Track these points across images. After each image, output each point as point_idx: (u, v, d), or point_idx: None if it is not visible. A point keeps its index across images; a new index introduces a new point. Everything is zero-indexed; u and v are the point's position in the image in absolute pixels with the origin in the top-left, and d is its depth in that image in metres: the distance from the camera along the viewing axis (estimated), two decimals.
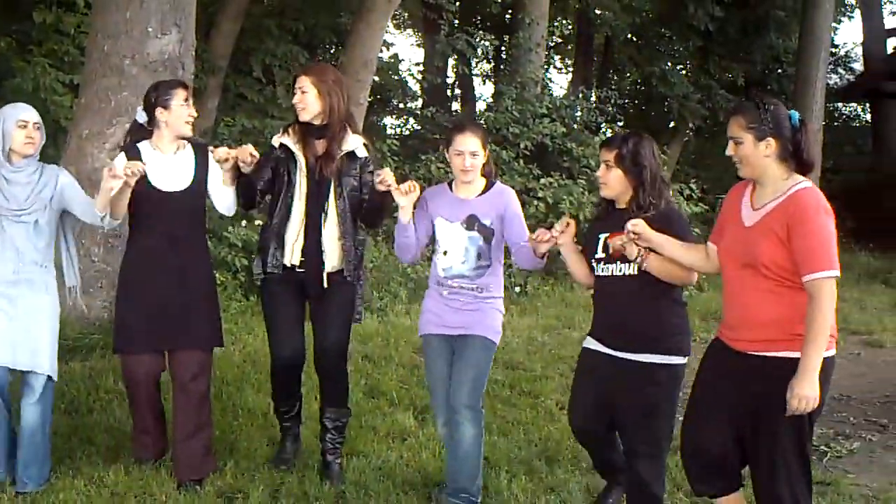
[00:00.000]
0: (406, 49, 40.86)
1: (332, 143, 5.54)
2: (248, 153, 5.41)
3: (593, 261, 5.02)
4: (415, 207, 5.39)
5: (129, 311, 5.57)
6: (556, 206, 14.60)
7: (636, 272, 4.78)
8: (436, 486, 5.63)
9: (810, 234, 4.10)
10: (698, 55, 22.45)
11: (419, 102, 24.60)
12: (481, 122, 16.58)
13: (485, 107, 20.16)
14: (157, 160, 5.54)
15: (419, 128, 19.50)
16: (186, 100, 5.56)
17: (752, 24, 21.89)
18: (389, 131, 21.22)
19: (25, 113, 5.41)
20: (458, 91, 26.21)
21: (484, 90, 31.34)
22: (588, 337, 5.14)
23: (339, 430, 5.79)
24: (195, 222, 5.65)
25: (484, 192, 5.42)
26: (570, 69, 28.82)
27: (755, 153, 4.25)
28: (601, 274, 4.98)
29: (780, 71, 23.36)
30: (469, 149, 5.27)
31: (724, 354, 4.43)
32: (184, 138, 5.62)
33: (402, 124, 24.70)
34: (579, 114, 17.87)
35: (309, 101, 5.51)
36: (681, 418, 4.70)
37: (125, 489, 5.41)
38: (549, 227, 5.13)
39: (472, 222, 5.35)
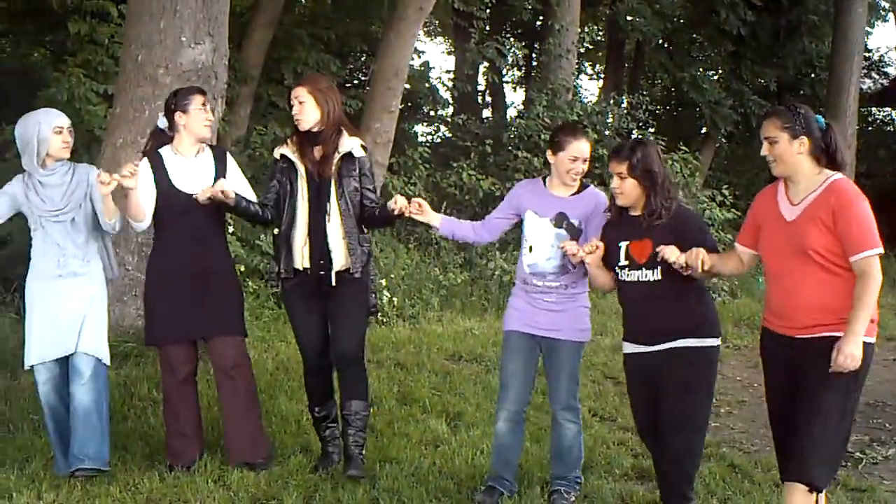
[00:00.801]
0: (437, 57, 40.87)
1: (327, 146, 5.75)
2: (219, 193, 5.60)
3: (616, 268, 5.18)
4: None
5: (158, 305, 5.92)
6: None
7: (659, 277, 5.00)
8: (473, 489, 5.68)
9: (853, 217, 4.48)
10: (730, 60, 22.32)
11: (450, 110, 24.58)
12: (513, 128, 16.59)
13: (516, 114, 20.14)
14: (179, 163, 5.89)
15: (450, 135, 19.49)
16: (204, 104, 5.90)
17: (784, 28, 21.73)
18: (420, 139, 21.21)
19: (59, 119, 5.77)
20: (488, 98, 26.21)
21: (515, 97, 31.33)
22: (624, 342, 5.30)
23: (360, 424, 5.84)
24: (216, 221, 5.96)
25: (578, 192, 5.54)
26: (601, 76, 28.71)
27: (790, 150, 4.61)
28: (627, 280, 5.15)
29: (812, 76, 23.23)
30: (584, 155, 5.43)
31: (775, 342, 4.77)
32: (202, 141, 5.95)
33: (433, 132, 24.72)
34: (610, 120, 17.82)
35: (307, 111, 5.72)
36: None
37: (160, 496, 5.45)
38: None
39: (560, 220, 5.48)
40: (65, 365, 5.70)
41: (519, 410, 5.64)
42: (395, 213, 5.58)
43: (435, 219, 5.67)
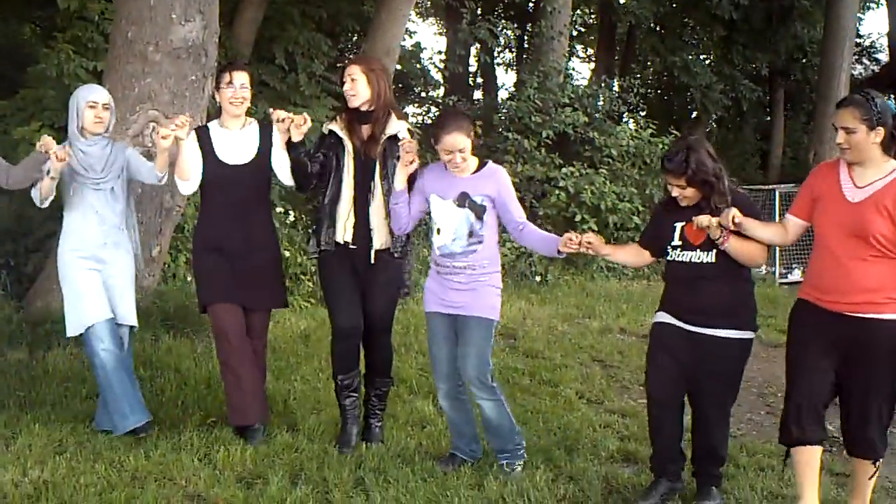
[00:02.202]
0: (428, 37, 40.87)
1: (376, 127, 5.88)
2: (302, 119, 5.84)
3: (669, 247, 5.29)
4: (412, 183, 5.76)
5: (207, 270, 6.12)
6: (578, 195, 14.60)
7: (714, 259, 5.13)
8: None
9: None
10: (722, 45, 22.40)
11: (441, 91, 24.58)
12: (504, 110, 16.56)
13: (507, 95, 20.12)
14: (223, 136, 6.10)
15: None
16: (230, 83, 6.01)
17: (776, 13, 21.79)
18: (412, 119, 21.12)
19: (95, 94, 6.12)
20: (480, 80, 26.17)
21: (506, 79, 31.39)
22: (660, 312, 5.39)
23: (380, 397, 6.23)
24: (259, 193, 6.15)
25: (477, 170, 5.60)
26: (593, 59, 28.70)
27: (867, 140, 4.75)
28: (677, 259, 5.26)
29: (804, 61, 23.28)
30: (457, 147, 5.44)
31: (819, 314, 4.91)
32: (234, 116, 6.10)
33: (423, 112, 24.70)
34: (601, 103, 17.84)
35: (359, 89, 5.85)
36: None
37: (145, 473, 5.44)
38: (579, 230, 5.34)
39: (463, 199, 5.53)
40: (114, 325, 6.08)
41: (453, 387, 5.74)
42: (403, 152, 5.70)
43: (402, 179, 5.75)
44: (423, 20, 30.15)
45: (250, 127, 6.15)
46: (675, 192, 5.21)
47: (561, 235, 5.44)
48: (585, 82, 21.86)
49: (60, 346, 7.59)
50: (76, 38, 11.28)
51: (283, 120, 5.85)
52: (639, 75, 24.61)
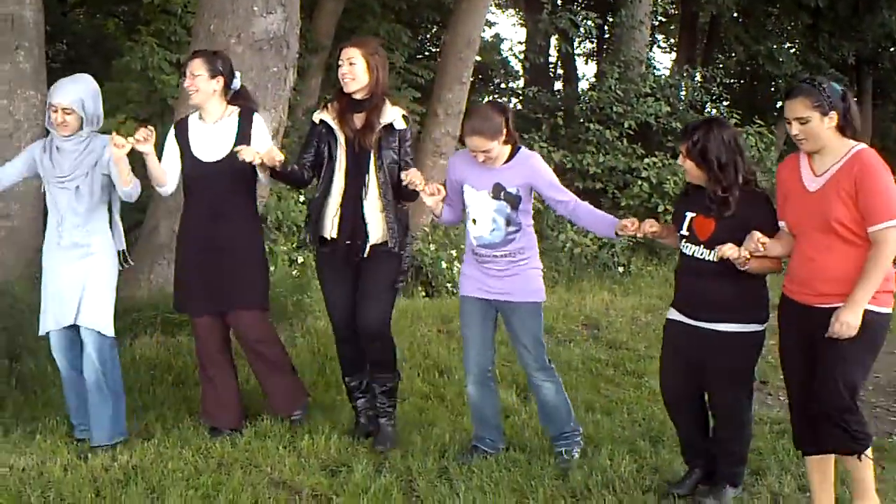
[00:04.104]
0: (507, 29, 40.68)
1: (371, 115, 5.59)
2: (274, 160, 5.47)
3: (679, 235, 5.14)
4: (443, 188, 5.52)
5: (180, 273, 5.92)
6: (661, 185, 14.45)
7: (715, 259, 4.88)
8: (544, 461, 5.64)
9: (875, 188, 4.47)
10: (807, 33, 21.97)
11: (521, 82, 24.48)
12: (584, 100, 16.44)
13: (587, 86, 19.98)
14: (200, 130, 5.79)
15: (521, 108, 19.39)
16: (191, 73, 5.71)
17: (863, 0, 21.29)
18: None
19: (56, 97, 5.60)
20: (560, 70, 26.01)
21: (586, 70, 31.11)
22: (671, 308, 5.26)
23: (387, 393, 5.92)
24: (236, 189, 5.77)
25: (510, 159, 5.45)
26: (675, 48, 28.36)
27: (821, 127, 4.57)
28: (684, 252, 5.10)
29: (892, 49, 22.74)
30: (479, 149, 5.32)
31: (792, 310, 4.77)
32: (196, 107, 5.82)
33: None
34: (684, 93, 17.63)
35: (358, 73, 5.55)
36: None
37: (231, 460, 5.49)
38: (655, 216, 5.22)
39: (498, 191, 5.40)
40: (63, 334, 5.72)
41: (482, 372, 5.65)
42: (406, 185, 5.43)
43: (438, 208, 5.54)
44: (503, 11, 30.05)
45: (229, 119, 5.79)
46: (680, 160, 5.09)
47: None
48: (667, 72, 21.60)
49: (147, 333, 7.67)
50: (159, 31, 11.43)
51: (250, 161, 5.44)
52: (721, 65, 24.24)
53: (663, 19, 28.52)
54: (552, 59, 25.58)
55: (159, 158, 5.71)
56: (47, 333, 5.75)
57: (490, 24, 24.94)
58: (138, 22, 12.27)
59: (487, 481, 5.30)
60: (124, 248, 5.90)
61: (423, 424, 6.18)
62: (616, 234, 5.34)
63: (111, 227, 5.79)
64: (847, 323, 4.44)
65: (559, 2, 20.62)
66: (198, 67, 5.70)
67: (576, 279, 12.39)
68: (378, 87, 5.59)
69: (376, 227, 5.63)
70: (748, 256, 4.73)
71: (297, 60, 9.09)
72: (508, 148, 5.43)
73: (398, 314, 9.17)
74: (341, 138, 5.62)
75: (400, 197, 5.70)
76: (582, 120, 16.09)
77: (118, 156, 5.39)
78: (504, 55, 26.51)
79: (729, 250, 4.73)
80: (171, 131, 5.87)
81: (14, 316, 7.17)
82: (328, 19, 14.04)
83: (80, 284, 5.59)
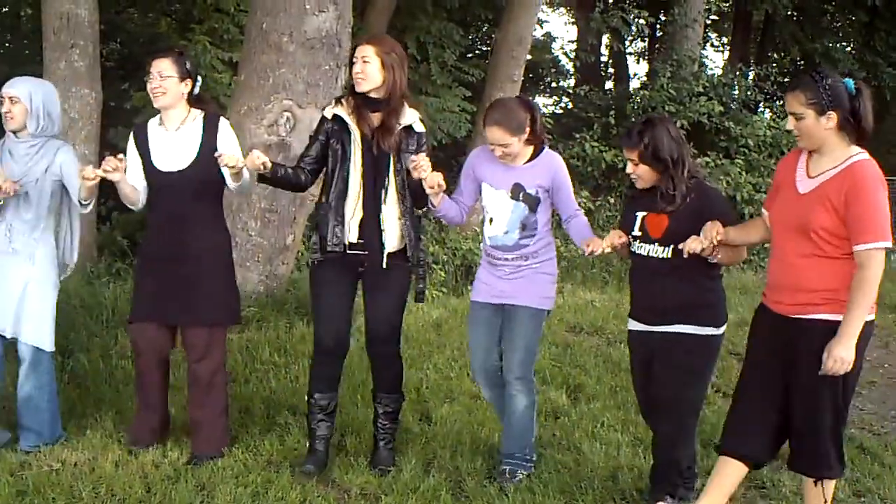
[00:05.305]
0: (559, 27, 40.55)
1: (390, 116, 5.25)
2: (255, 163, 5.05)
3: (630, 237, 4.98)
4: (445, 188, 5.20)
5: (139, 283, 5.61)
6: None
7: (670, 255, 4.78)
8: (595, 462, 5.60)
9: (865, 204, 4.19)
10: (864, 31, 21.69)
11: (572, 81, 24.41)
12: (636, 99, 16.35)
13: (639, 85, 19.86)
14: (160, 138, 5.42)
15: (572, 106, 19.32)
16: (157, 73, 5.32)
17: None
18: (542, 110, 21.05)
19: (5, 87, 5.44)
20: (611, 69, 25.90)
21: (638, 69, 30.93)
22: (629, 318, 5.12)
23: (390, 415, 5.56)
24: (201, 199, 5.39)
25: (532, 158, 5.32)
26: (728, 47, 28.14)
27: (817, 127, 4.29)
28: (637, 252, 4.96)
29: None
30: (497, 142, 5.17)
31: (766, 319, 4.57)
32: (163, 110, 5.44)
33: (555, 103, 24.55)
34: (737, 92, 17.47)
35: (371, 72, 5.20)
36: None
37: (280, 458, 5.50)
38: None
39: (517, 191, 5.27)
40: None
41: (491, 376, 5.47)
42: (414, 170, 5.08)
43: (437, 199, 5.23)
44: (554, 10, 29.98)
45: (193, 124, 5.40)
46: (629, 169, 4.89)
47: None
48: (719, 71, 21.42)
49: None
50: (212, 29, 11.51)
51: (232, 166, 5.08)
52: (775, 63, 23.98)
53: (716, 17, 28.25)
54: (603, 58, 25.47)
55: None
56: None
57: (541, 23, 24.86)
58: (191, 21, 12.34)
59: (537, 482, 5.28)
60: (74, 260, 5.76)
61: (472, 424, 6.16)
62: (585, 252, 5.11)
63: (66, 235, 5.68)
64: (841, 358, 4.17)
65: (611, 0, 20.51)
66: (167, 68, 5.31)
67: (626, 280, 12.29)
68: (395, 88, 5.23)
69: (393, 234, 5.31)
70: (714, 244, 4.60)
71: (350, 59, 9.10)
72: (531, 148, 5.30)
73: (449, 314, 9.22)
74: (356, 134, 5.27)
75: (414, 200, 5.42)
76: (633, 119, 15.98)
77: (87, 185, 5.23)
78: (555, 54, 26.44)
79: (693, 244, 4.60)
80: (131, 140, 5.51)
81: (67, 312, 7.24)
82: (380, 17, 14.05)
83: (17, 295, 5.41)
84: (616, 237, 4.98)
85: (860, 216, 4.18)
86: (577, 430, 6.19)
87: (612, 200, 14.50)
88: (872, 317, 4.31)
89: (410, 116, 5.32)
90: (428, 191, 5.13)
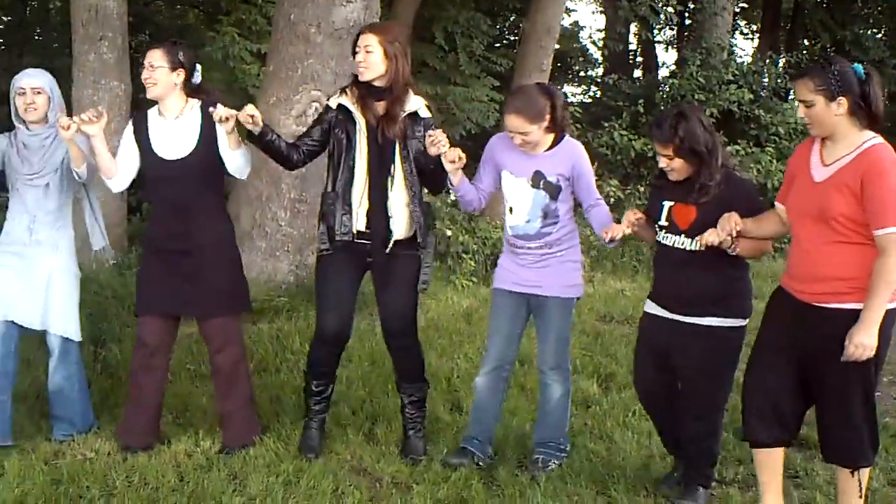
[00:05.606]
0: (587, 16, 40.44)
1: (394, 104, 5.25)
2: (247, 115, 5.01)
3: (656, 226, 4.95)
4: (465, 167, 5.22)
5: (144, 276, 5.55)
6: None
7: (697, 247, 4.70)
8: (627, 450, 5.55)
9: (884, 188, 4.15)
10: (895, 18, 21.46)
11: (600, 70, 24.33)
12: (665, 88, 16.28)
13: (667, 73, 19.76)
14: (160, 126, 5.42)
15: (601, 95, 19.25)
16: (149, 64, 5.33)
17: None
18: (571, 99, 21.01)
19: (24, 80, 5.45)
20: (640, 58, 25.79)
21: (666, 57, 30.81)
22: (648, 301, 5.09)
23: (416, 404, 5.57)
24: (203, 188, 5.39)
25: (552, 146, 5.27)
26: (757, 34, 27.94)
27: (827, 113, 4.27)
28: (663, 242, 4.92)
29: None
30: (516, 130, 5.13)
31: (788, 304, 4.49)
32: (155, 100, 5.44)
33: (583, 92, 24.47)
34: (767, 80, 17.36)
35: (373, 62, 5.20)
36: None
37: None
38: (618, 222, 5.04)
39: (537, 179, 5.23)
40: (15, 328, 5.49)
41: (499, 368, 5.43)
42: (430, 146, 5.05)
43: (457, 176, 5.22)
44: None
45: (191, 113, 5.40)
46: (662, 163, 4.82)
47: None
48: (749, 59, 21.28)
49: None
50: (240, 21, 11.54)
51: (225, 119, 5.01)
52: (806, 51, 23.78)
53: (745, 5, 28.07)
54: (632, 47, 25.38)
55: (115, 152, 5.47)
56: None
57: (569, 12, 24.75)
58: (219, 12, 12.39)
59: (568, 472, 5.27)
60: (106, 243, 5.81)
61: (504, 413, 6.14)
62: (606, 242, 5.09)
63: (93, 224, 5.72)
64: (862, 344, 4.15)
65: None
66: (158, 59, 5.31)
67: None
68: (398, 77, 5.23)
69: (401, 222, 5.29)
70: (734, 236, 4.56)
71: None
72: (551, 136, 5.26)
73: (479, 303, 9.21)
74: (361, 123, 5.26)
75: (425, 183, 5.42)
76: (663, 108, 15.91)
77: (65, 136, 5.17)
78: (583, 43, 26.33)
79: (710, 236, 4.57)
80: (129, 127, 5.52)
81: (99, 302, 7.27)
82: (408, 8, 14.02)
83: (44, 286, 5.44)
84: (633, 215, 4.95)
85: (879, 201, 4.14)
86: (608, 420, 6.17)
87: (641, 189, 14.41)
88: (895, 304, 4.26)
89: (415, 103, 5.31)
90: (447, 166, 5.12)
